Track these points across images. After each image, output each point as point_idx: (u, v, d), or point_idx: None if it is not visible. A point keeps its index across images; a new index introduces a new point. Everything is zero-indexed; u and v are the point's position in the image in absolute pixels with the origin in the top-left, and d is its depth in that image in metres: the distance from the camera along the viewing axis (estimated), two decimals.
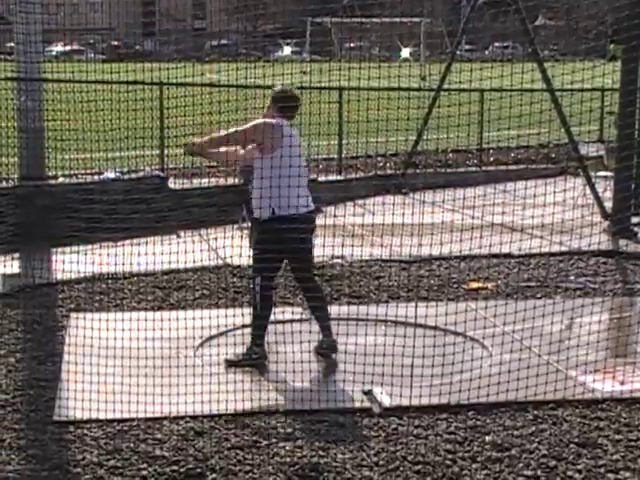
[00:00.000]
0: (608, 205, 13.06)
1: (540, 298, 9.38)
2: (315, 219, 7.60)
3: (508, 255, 11.11)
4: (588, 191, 13.55)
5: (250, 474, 5.54)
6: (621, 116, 12.48)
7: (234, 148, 7.55)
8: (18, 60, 12.23)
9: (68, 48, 23.22)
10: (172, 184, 14.05)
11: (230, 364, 7.36)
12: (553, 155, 19.44)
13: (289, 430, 6.16)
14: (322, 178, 15.67)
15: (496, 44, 33.56)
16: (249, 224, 11.63)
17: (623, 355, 7.74)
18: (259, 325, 7.44)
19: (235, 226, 11.95)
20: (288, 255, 7.44)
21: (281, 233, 7.17)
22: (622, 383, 7.06)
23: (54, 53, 21.75)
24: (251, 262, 7.82)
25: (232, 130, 7.40)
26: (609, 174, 14.11)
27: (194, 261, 9.38)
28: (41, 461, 5.67)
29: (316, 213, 7.67)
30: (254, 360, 7.37)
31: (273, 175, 7.13)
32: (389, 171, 17.45)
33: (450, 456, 5.81)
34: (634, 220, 12.98)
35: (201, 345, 7.85)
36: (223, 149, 7.58)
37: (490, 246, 10.15)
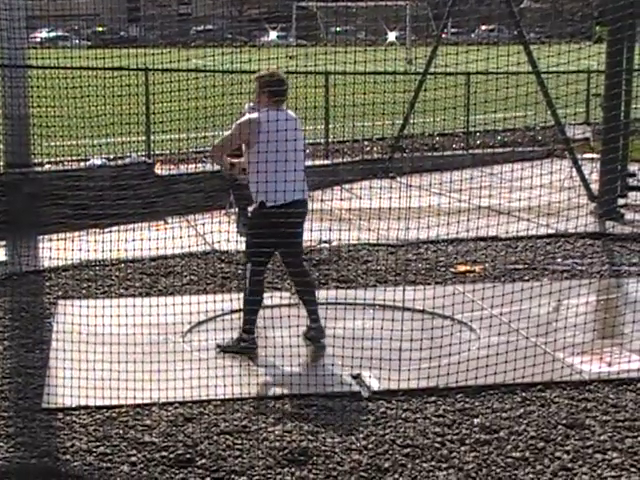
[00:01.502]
0: (595, 187, 13.09)
1: (528, 281, 9.40)
2: (306, 205, 7.57)
3: (495, 238, 11.14)
4: (575, 173, 13.57)
5: (239, 459, 5.55)
6: (607, 98, 12.49)
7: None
8: (2, 47, 12.16)
9: (53, 34, 23.12)
10: (158, 170, 14.02)
11: (221, 349, 7.36)
12: (539, 138, 19.47)
13: (278, 415, 6.17)
14: (309, 163, 15.65)
15: (482, 27, 33.54)
16: (236, 209, 11.64)
17: (610, 336, 7.77)
18: (249, 311, 7.43)
19: (222, 212, 11.93)
20: (279, 241, 7.42)
21: (271, 221, 7.16)
22: (609, 364, 7.09)
23: (39, 39, 21.66)
24: (240, 248, 7.81)
25: (221, 139, 7.41)
26: (595, 156, 14.13)
27: (182, 247, 9.38)
28: (30, 448, 5.67)
29: (307, 198, 7.63)
30: (245, 345, 7.37)
31: (259, 168, 7.11)
32: (376, 155, 17.44)
33: (439, 439, 5.83)
34: (620, 202, 13.01)
35: (189, 331, 7.85)
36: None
37: (477, 229, 10.18)
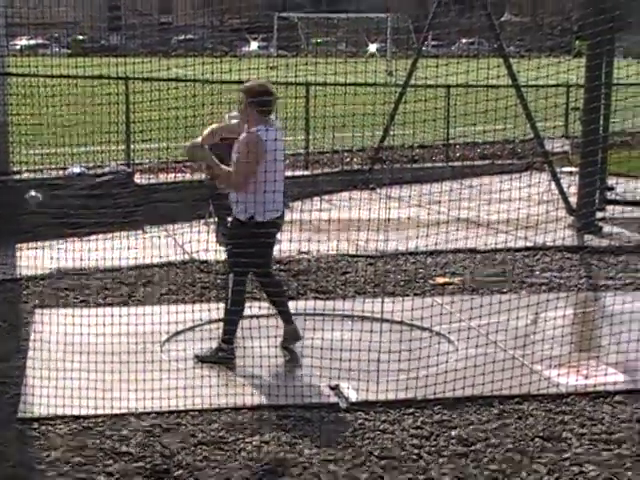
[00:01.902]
0: (573, 200, 13.15)
1: (506, 293, 9.43)
2: (283, 220, 7.60)
3: (474, 250, 11.17)
4: (553, 186, 13.63)
5: (216, 470, 5.53)
6: (586, 112, 12.55)
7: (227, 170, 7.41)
8: None
9: (33, 42, 23.03)
10: (138, 179, 13.99)
11: (199, 359, 7.34)
12: (519, 150, 19.55)
13: (256, 425, 6.15)
14: (289, 173, 15.65)
15: (462, 40, 33.69)
16: (215, 219, 11.62)
17: (587, 349, 7.79)
18: (230, 321, 7.42)
19: (202, 221, 11.92)
20: (261, 252, 7.42)
21: (259, 235, 7.19)
22: (586, 377, 7.11)
23: (18, 47, 21.57)
24: (219, 257, 7.80)
25: (230, 176, 7.24)
26: (574, 169, 14.20)
27: (161, 256, 9.36)
28: (5, 458, 5.63)
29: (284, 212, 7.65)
30: (223, 356, 7.35)
31: (257, 187, 7.10)
32: (356, 166, 17.46)
33: (416, 451, 5.84)
34: (598, 215, 13.08)
35: (167, 341, 7.82)
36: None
37: (456, 241, 10.22)
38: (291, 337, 7.65)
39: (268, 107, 7.25)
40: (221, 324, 7.54)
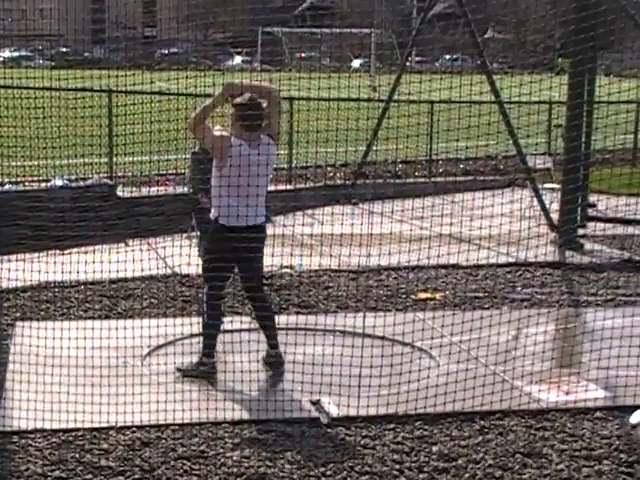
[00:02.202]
0: (555, 217, 13.20)
1: (487, 309, 9.44)
2: (264, 230, 7.57)
3: (456, 266, 11.19)
4: (535, 203, 13.69)
5: None
6: (568, 129, 12.62)
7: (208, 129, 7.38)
8: None
9: (16, 54, 23.00)
10: (121, 192, 13.96)
11: (181, 373, 7.32)
12: (501, 167, 19.63)
13: (236, 440, 6.14)
14: (272, 188, 15.64)
15: (446, 56, 33.81)
16: (198, 233, 11.60)
17: (568, 365, 7.81)
18: (208, 335, 7.40)
19: (184, 235, 11.89)
20: (233, 264, 7.44)
21: (227, 242, 7.18)
22: (567, 393, 7.13)
23: (1, 59, 21.53)
24: (200, 271, 7.80)
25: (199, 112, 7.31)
26: (556, 186, 14.27)
27: (142, 270, 9.32)
28: None
29: (263, 225, 7.62)
30: (205, 370, 7.33)
31: (222, 185, 7.14)
32: (339, 181, 17.49)
33: (397, 466, 5.83)
34: (580, 232, 13.13)
35: (149, 354, 7.80)
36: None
37: (439, 257, 10.22)
38: (275, 359, 7.61)
39: (253, 122, 7.26)
40: (202, 338, 7.52)
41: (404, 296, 10.06)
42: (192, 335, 7.80)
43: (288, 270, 10.71)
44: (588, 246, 12.78)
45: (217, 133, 7.31)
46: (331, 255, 11.25)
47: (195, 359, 7.43)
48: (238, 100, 7.30)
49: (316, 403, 6.75)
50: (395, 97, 16.24)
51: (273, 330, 7.64)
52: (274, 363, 7.58)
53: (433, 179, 18.50)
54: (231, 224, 7.27)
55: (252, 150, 7.24)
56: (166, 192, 14.09)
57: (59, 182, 13.37)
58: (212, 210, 7.39)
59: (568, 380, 7.36)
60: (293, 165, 17.33)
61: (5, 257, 10.53)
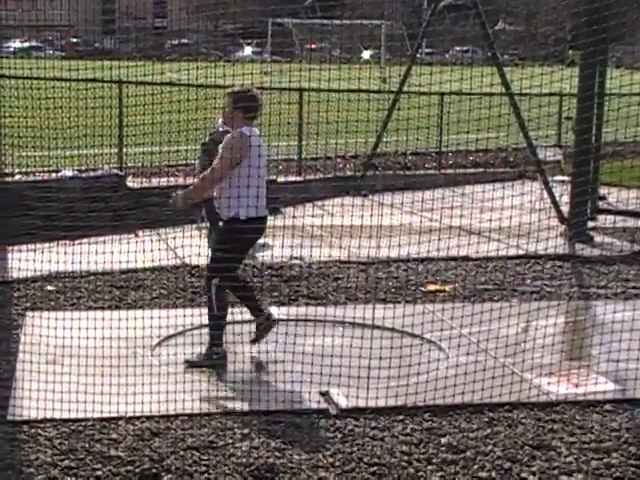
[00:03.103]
0: (565, 209, 13.17)
1: (497, 301, 9.43)
2: (266, 222, 7.63)
3: (466, 258, 11.17)
4: (545, 195, 13.66)
5: (206, 475, 5.53)
6: (578, 121, 12.58)
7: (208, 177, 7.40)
8: None
9: (26, 44, 23.03)
10: (130, 183, 13.97)
11: (190, 364, 7.33)
12: (511, 159, 19.58)
13: (245, 431, 6.15)
14: (282, 179, 15.67)
15: (456, 48, 33.73)
16: (207, 224, 11.60)
17: (577, 358, 7.81)
18: (216, 325, 7.42)
19: (194, 226, 11.90)
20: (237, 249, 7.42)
21: (240, 233, 7.19)
22: (576, 386, 7.12)
23: (12, 49, 21.57)
24: (208, 262, 7.79)
25: (211, 170, 7.30)
26: (566, 178, 14.23)
27: (152, 260, 9.35)
28: None
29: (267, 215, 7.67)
30: (214, 360, 7.34)
31: (241, 183, 7.14)
32: (348, 173, 17.48)
33: (406, 458, 5.83)
34: (590, 224, 13.10)
35: (158, 345, 7.81)
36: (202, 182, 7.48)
37: (448, 249, 10.22)
38: (263, 323, 7.52)
39: (253, 112, 7.35)
40: (209, 329, 7.53)
41: (413, 288, 10.06)
42: (202, 326, 7.82)
43: (297, 261, 10.72)
44: (598, 239, 12.75)
45: (229, 151, 7.19)
46: (340, 246, 11.26)
47: (203, 350, 7.45)
48: (236, 89, 7.36)
49: (325, 394, 6.76)
50: (405, 89, 16.21)
51: (254, 302, 7.62)
52: (266, 326, 7.53)
53: (443, 171, 18.48)
54: (259, 214, 7.32)
55: (255, 136, 7.34)
56: (176, 183, 14.10)
57: (69, 173, 13.39)
58: (229, 209, 7.28)
59: (577, 373, 7.35)
60: (303, 156, 17.31)
61: (15, 247, 10.58)
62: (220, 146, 7.35)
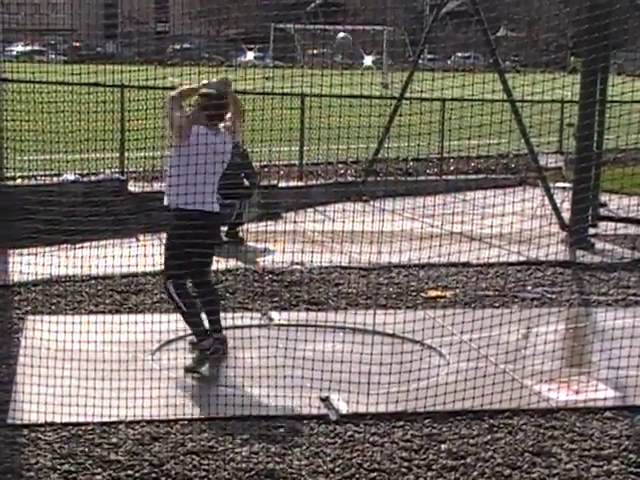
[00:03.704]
0: (566, 216, 13.17)
1: (498, 307, 9.43)
2: (221, 220, 7.64)
3: (467, 264, 11.17)
4: (546, 202, 13.66)
5: (205, 479, 5.52)
6: (580, 128, 12.59)
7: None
8: None
9: (29, 48, 23.04)
10: (132, 187, 13.97)
11: (188, 370, 7.33)
12: (513, 165, 19.58)
13: (245, 436, 6.14)
14: (283, 184, 15.67)
15: (458, 54, 33.76)
16: None
17: (578, 365, 7.80)
18: (194, 323, 7.44)
19: None
20: (194, 250, 7.42)
21: (186, 227, 7.30)
22: (577, 392, 7.12)
23: (14, 53, 21.58)
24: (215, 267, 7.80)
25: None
26: (567, 185, 14.23)
27: (153, 265, 9.34)
28: None
29: (218, 217, 7.68)
30: (210, 356, 7.35)
31: (180, 169, 7.27)
32: (350, 178, 17.47)
33: (406, 464, 5.83)
34: (591, 231, 13.10)
35: (158, 349, 7.81)
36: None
37: (449, 255, 10.22)
38: (219, 343, 7.50)
39: (215, 117, 7.47)
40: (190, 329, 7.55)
41: (414, 294, 10.06)
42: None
43: (298, 266, 10.72)
44: (599, 245, 12.75)
45: (181, 113, 7.40)
46: (341, 252, 11.25)
47: (196, 354, 7.45)
48: (205, 91, 7.47)
49: (325, 400, 6.76)
50: (407, 94, 16.22)
51: (217, 314, 7.64)
52: (217, 348, 7.49)
53: (444, 177, 18.48)
54: (205, 209, 7.37)
55: (212, 135, 7.41)
56: None
57: (71, 177, 13.39)
58: (168, 196, 7.44)
59: (578, 379, 7.35)
60: (304, 161, 17.31)
61: (16, 251, 10.58)
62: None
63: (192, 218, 7.33)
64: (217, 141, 7.43)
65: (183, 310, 7.50)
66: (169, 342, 7.92)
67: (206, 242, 7.43)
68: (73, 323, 7.67)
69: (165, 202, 7.58)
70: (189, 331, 7.92)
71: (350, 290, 10.06)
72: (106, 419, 6.27)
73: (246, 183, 12.27)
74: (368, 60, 34.09)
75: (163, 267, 7.73)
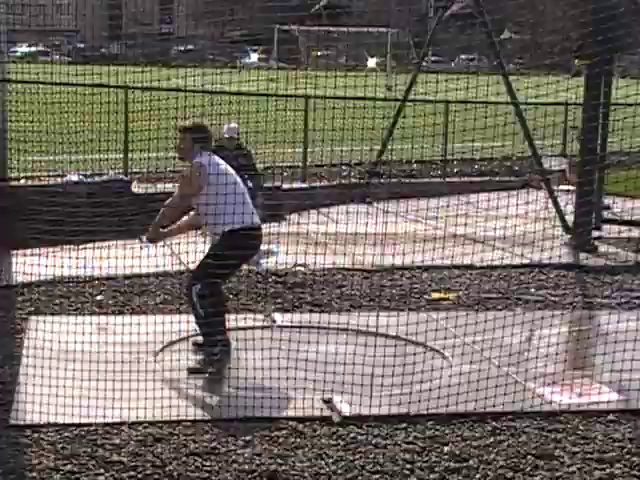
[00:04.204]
0: (569, 219, 13.16)
1: (501, 310, 9.43)
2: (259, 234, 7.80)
3: (470, 266, 11.16)
4: (550, 204, 13.65)
5: None
6: (584, 131, 12.59)
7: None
8: None
9: (33, 49, 23.08)
10: (135, 188, 13.98)
11: (191, 371, 7.33)
12: (516, 168, 19.58)
13: (248, 437, 6.14)
14: (286, 186, 15.67)
15: (462, 56, 33.78)
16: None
17: (581, 368, 7.79)
18: (211, 327, 7.45)
19: (198, 232, 11.90)
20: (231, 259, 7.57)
21: (234, 245, 7.47)
22: (580, 395, 7.11)
23: (19, 54, 21.61)
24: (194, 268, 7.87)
25: (171, 199, 7.85)
26: (571, 188, 14.22)
27: (156, 266, 9.35)
28: None
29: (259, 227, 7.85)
30: (219, 358, 7.36)
31: (212, 200, 7.43)
32: (353, 180, 17.48)
33: (408, 466, 5.83)
34: (595, 234, 13.09)
35: (162, 350, 7.81)
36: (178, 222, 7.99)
37: (452, 257, 10.21)
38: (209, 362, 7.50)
39: (208, 143, 7.82)
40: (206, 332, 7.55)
41: (417, 296, 10.06)
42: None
43: (302, 268, 10.72)
44: (602, 248, 12.73)
45: (187, 181, 7.71)
46: (345, 254, 11.25)
47: (201, 356, 7.46)
48: (186, 124, 7.89)
49: (328, 401, 6.75)
50: (410, 97, 16.21)
51: (215, 326, 7.65)
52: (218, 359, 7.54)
53: (448, 179, 18.47)
54: (247, 224, 7.58)
55: (213, 156, 7.75)
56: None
57: (74, 177, 13.40)
58: (215, 226, 7.60)
59: (581, 382, 7.34)
60: (308, 163, 17.31)
61: (20, 252, 10.59)
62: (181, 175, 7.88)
63: (243, 235, 7.57)
64: (220, 159, 7.78)
65: (206, 312, 7.46)
66: (172, 343, 7.93)
67: (247, 253, 7.74)
68: (76, 324, 7.67)
69: (213, 232, 7.75)
70: (192, 332, 7.93)
71: (353, 292, 10.06)
72: (109, 420, 6.28)
73: (249, 185, 12.27)
74: (372, 62, 34.10)
75: (197, 269, 7.77)
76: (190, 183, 7.63)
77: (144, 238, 7.98)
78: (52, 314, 8.73)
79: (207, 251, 7.80)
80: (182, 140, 7.77)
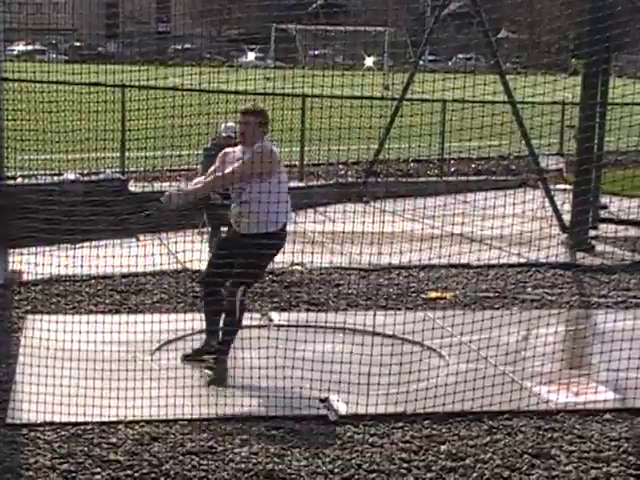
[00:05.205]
0: (566, 218, 13.17)
1: (498, 309, 9.43)
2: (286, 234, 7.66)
3: (467, 265, 11.17)
4: (547, 203, 13.65)
5: (205, 479, 5.53)
6: (581, 130, 12.59)
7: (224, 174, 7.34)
8: None
9: (30, 48, 23.03)
10: (132, 187, 13.98)
11: (186, 357, 7.39)
12: (513, 167, 19.59)
13: (245, 436, 6.14)
14: None
15: (459, 55, 33.78)
16: (209, 229, 11.61)
17: (578, 367, 7.80)
18: (233, 332, 7.38)
19: (195, 230, 11.90)
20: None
21: (270, 244, 7.24)
22: (576, 394, 7.12)
23: (15, 52, 21.57)
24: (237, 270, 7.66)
25: (230, 171, 7.25)
26: (568, 187, 14.23)
27: (153, 265, 9.35)
28: None
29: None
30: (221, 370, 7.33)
31: (272, 198, 7.12)
32: (350, 179, 17.48)
33: (405, 465, 5.83)
34: (591, 233, 13.10)
35: (158, 349, 7.81)
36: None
37: (449, 256, 10.21)
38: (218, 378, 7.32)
39: (267, 124, 7.45)
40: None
41: (414, 295, 10.06)
42: (202, 331, 7.80)
43: (298, 267, 10.72)
44: (599, 248, 12.75)
45: (255, 162, 7.13)
46: (342, 253, 11.25)
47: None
48: (249, 107, 7.48)
49: (325, 400, 6.76)
50: (408, 95, 16.21)
51: (233, 334, 7.54)
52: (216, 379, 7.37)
53: (445, 178, 18.48)
54: (284, 224, 7.44)
55: (274, 146, 7.45)
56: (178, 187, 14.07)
57: (71, 176, 13.38)
58: (265, 223, 7.21)
59: (577, 381, 7.35)
60: (305, 162, 17.31)
61: (17, 250, 10.58)
62: (246, 156, 7.24)
63: (280, 234, 7.39)
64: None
65: (238, 318, 7.39)
66: (169, 342, 7.92)
67: (275, 253, 7.50)
68: (73, 323, 7.67)
69: (249, 230, 7.31)
70: (188, 331, 7.91)
71: (350, 291, 10.06)
72: (105, 419, 6.28)
73: None
74: (369, 61, 34.08)
75: (240, 274, 7.29)
76: (260, 166, 7.07)
77: (162, 199, 7.68)
78: (49, 313, 8.73)
79: (243, 250, 7.24)
80: (245, 124, 7.30)
